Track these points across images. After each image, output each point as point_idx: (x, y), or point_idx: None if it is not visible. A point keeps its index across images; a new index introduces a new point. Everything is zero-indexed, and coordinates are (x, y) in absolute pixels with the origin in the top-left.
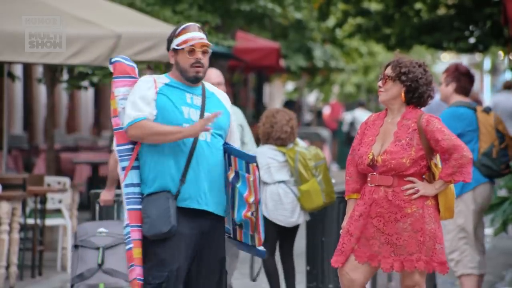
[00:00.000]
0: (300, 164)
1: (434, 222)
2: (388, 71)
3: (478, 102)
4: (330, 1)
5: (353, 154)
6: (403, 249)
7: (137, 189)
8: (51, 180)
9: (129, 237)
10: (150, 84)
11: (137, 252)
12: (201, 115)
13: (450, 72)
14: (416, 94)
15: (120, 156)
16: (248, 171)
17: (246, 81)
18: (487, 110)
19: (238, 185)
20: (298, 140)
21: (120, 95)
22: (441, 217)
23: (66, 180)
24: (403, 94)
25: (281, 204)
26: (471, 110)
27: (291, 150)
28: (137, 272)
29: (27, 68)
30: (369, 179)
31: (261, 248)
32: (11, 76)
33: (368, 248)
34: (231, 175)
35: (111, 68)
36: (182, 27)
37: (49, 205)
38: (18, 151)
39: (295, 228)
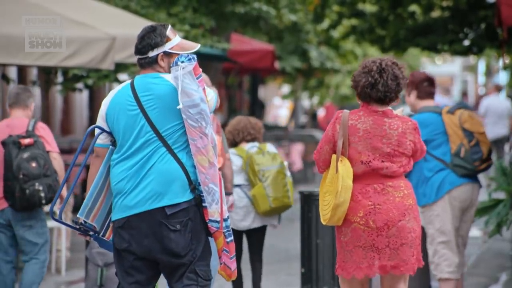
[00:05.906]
0: (249, 169)
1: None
2: None
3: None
4: (325, 3)
5: None
6: None
7: None
8: None
9: (230, 229)
10: None
11: None
12: None
13: (408, 83)
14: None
15: None
16: None
17: (241, 83)
18: (451, 111)
19: None
20: (268, 146)
21: None
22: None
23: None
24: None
25: (234, 208)
26: (436, 113)
27: (246, 154)
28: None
29: (22, 70)
30: None
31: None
32: (6, 78)
33: None
34: None
35: (191, 66)
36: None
37: None
38: None
39: (259, 232)
